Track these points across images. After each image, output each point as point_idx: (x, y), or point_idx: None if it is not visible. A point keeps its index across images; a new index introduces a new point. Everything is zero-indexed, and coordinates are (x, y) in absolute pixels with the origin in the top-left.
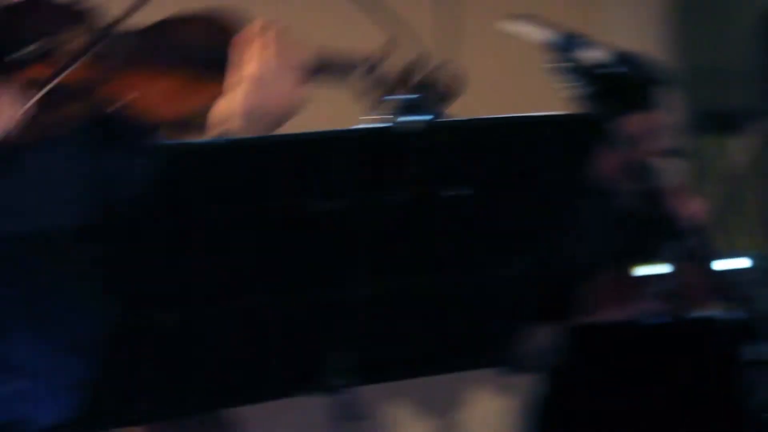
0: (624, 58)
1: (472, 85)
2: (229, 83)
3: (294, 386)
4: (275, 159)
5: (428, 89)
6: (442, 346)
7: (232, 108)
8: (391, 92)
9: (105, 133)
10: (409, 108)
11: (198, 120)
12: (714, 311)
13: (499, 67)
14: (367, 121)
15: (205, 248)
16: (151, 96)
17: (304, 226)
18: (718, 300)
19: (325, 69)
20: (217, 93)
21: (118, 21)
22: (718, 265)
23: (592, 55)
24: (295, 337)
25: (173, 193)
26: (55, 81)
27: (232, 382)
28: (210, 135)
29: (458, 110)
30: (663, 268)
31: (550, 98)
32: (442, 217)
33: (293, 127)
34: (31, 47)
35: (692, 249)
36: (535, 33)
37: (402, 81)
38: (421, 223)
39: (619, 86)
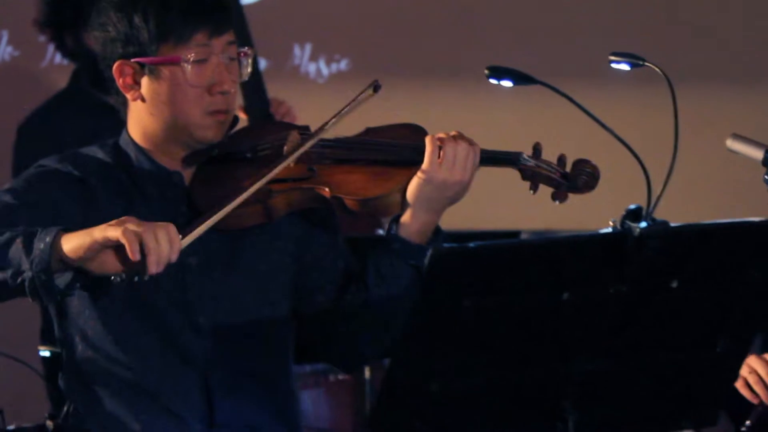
0: None
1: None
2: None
3: None
4: (532, 258)
5: (575, 180)
6: (656, 410)
7: (409, 195)
8: (545, 181)
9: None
10: (637, 215)
11: (386, 200)
12: None
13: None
14: (611, 225)
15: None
16: (350, 182)
17: (552, 313)
18: None
19: (490, 161)
20: (403, 181)
21: (322, 129)
22: None
23: None
24: (538, 401)
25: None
26: (277, 171)
27: None
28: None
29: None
30: None
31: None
32: (662, 305)
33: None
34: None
35: None
36: (750, 150)
37: (550, 176)
38: (643, 310)
39: None
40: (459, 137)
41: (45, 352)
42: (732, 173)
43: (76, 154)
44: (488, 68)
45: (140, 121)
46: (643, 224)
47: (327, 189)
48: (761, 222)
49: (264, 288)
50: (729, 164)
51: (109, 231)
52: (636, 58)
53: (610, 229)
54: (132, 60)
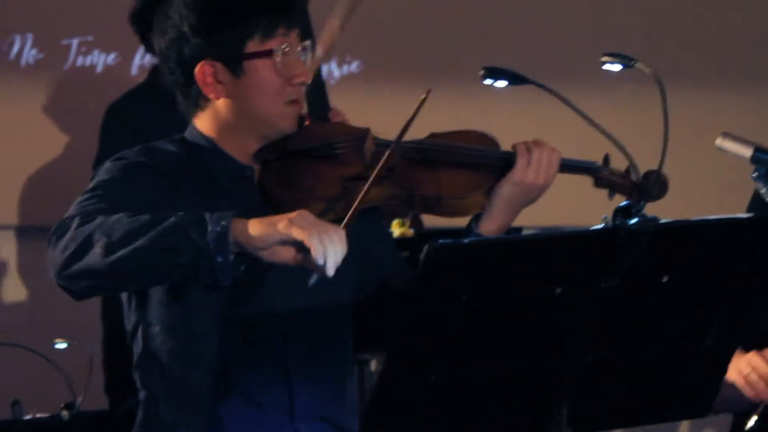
0: None
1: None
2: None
3: None
4: (525, 253)
5: (644, 191)
6: (648, 401)
7: (496, 197)
8: (619, 189)
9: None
10: (625, 211)
11: (467, 202)
12: None
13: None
14: (602, 221)
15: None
16: (433, 182)
17: (546, 307)
18: None
19: (568, 168)
20: (487, 184)
21: (402, 134)
22: None
23: None
24: (532, 394)
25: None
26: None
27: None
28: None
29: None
30: None
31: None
32: (652, 300)
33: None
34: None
35: None
36: (739, 148)
37: (624, 184)
38: (634, 304)
39: None
40: (543, 143)
41: (61, 344)
42: (721, 171)
43: (152, 148)
44: (484, 69)
45: (217, 117)
46: (634, 221)
47: (409, 187)
48: (749, 218)
49: (337, 278)
50: (718, 162)
51: (294, 230)
52: (627, 58)
53: (601, 226)
54: (215, 59)
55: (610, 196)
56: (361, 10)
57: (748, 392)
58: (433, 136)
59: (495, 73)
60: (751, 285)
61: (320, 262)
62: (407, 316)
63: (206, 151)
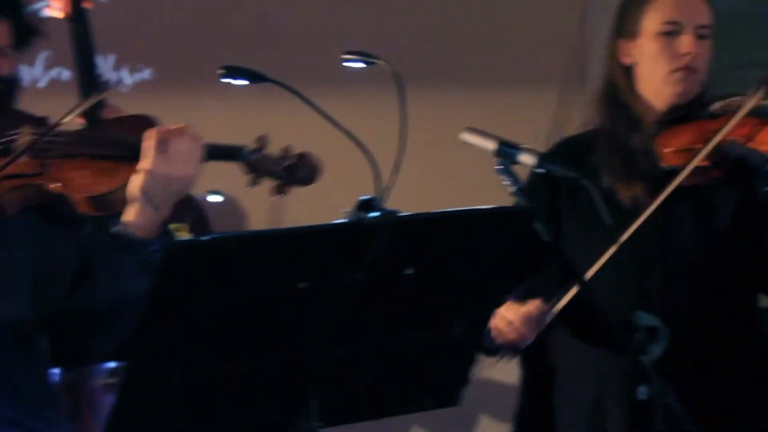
0: (547, 160)
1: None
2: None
3: (282, 427)
4: (273, 249)
5: (294, 172)
6: (398, 392)
7: (131, 190)
8: (267, 174)
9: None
10: (369, 205)
11: (115, 196)
12: None
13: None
14: (343, 216)
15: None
16: (79, 178)
17: (290, 302)
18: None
19: (214, 155)
20: (129, 177)
21: (57, 125)
22: None
23: (525, 159)
24: (280, 388)
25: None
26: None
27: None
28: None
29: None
30: None
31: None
32: (397, 292)
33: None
34: None
35: None
36: (484, 142)
37: (272, 169)
38: (379, 297)
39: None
40: (182, 131)
41: None
42: (466, 165)
43: None
44: (223, 67)
45: None
46: (374, 214)
47: (59, 184)
48: (489, 210)
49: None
50: (463, 156)
51: None
52: (368, 56)
53: (343, 220)
54: None
55: (256, 181)
56: (152, 19)
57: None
58: (99, 122)
59: (234, 72)
60: (494, 275)
61: None
62: (147, 315)
63: None
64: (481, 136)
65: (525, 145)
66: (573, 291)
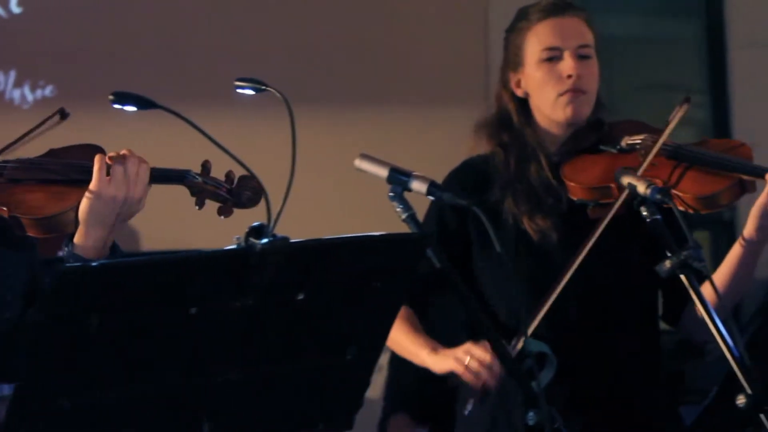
0: (437, 187)
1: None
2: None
3: None
4: (162, 275)
5: (237, 195)
6: (291, 416)
7: (80, 212)
8: (210, 196)
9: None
10: (260, 231)
11: (64, 218)
12: None
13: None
14: (234, 242)
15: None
16: (28, 201)
17: (180, 328)
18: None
19: (160, 178)
20: (77, 199)
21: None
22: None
23: (416, 186)
24: (172, 414)
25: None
26: None
27: None
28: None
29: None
30: None
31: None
32: (289, 317)
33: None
34: None
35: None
36: (376, 169)
37: (216, 192)
38: (271, 322)
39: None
40: (128, 155)
41: None
42: (360, 191)
43: None
44: (113, 94)
45: None
46: (265, 240)
47: (5, 208)
48: (381, 236)
49: None
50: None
51: None
52: (258, 83)
53: (233, 246)
54: None
55: (201, 203)
56: (55, 36)
57: (470, 379)
58: (50, 152)
59: (123, 98)
60: (386, 299)
61: None
62: (35, 340)
63: None
64: (373, 163)
65: (417, 173)
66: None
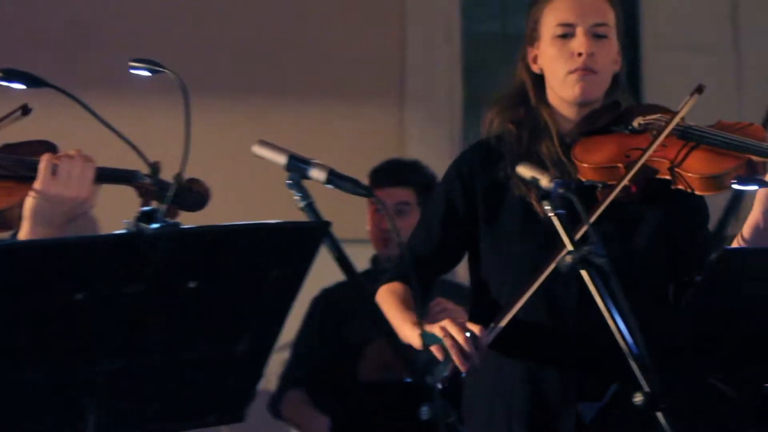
0: (336, 175)
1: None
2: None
3: None
4: (47, 259)
5: (183, 197)
6: (180, 406)
7: (25, 209)
8: (156, 198)
9: None
10: (150, 216)
11: (12, 213)
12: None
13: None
14: (124, 226)
15: None
16: None
17: (66, 313)
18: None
19: (108, 178)
20: (24, 197)
21: None
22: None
23: (315, 174)
24: (57, 401)
25: None
26: None
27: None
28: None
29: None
30: None
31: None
32: (179, 305)
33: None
34: None
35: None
36: (274, 156)
37: (163, 191)
38: (161, 309)
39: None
40: (75, 155)
41: None
42: (258, 178)
43: None
44: (1, 70)
45: None
46: (155, 225)
47: None
48: (276, 224)
49: None
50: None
51: None
52: (154, 64)
53: (122, 231)
54: None
55: (147, 204)
56: None
57: (441, 356)
58: (4, 147)
59: (11, 75)
60: (282, 289)
61: None
62: None
63: None
64: (272, 150)
65: (316, 160)
66: (509, 316)
